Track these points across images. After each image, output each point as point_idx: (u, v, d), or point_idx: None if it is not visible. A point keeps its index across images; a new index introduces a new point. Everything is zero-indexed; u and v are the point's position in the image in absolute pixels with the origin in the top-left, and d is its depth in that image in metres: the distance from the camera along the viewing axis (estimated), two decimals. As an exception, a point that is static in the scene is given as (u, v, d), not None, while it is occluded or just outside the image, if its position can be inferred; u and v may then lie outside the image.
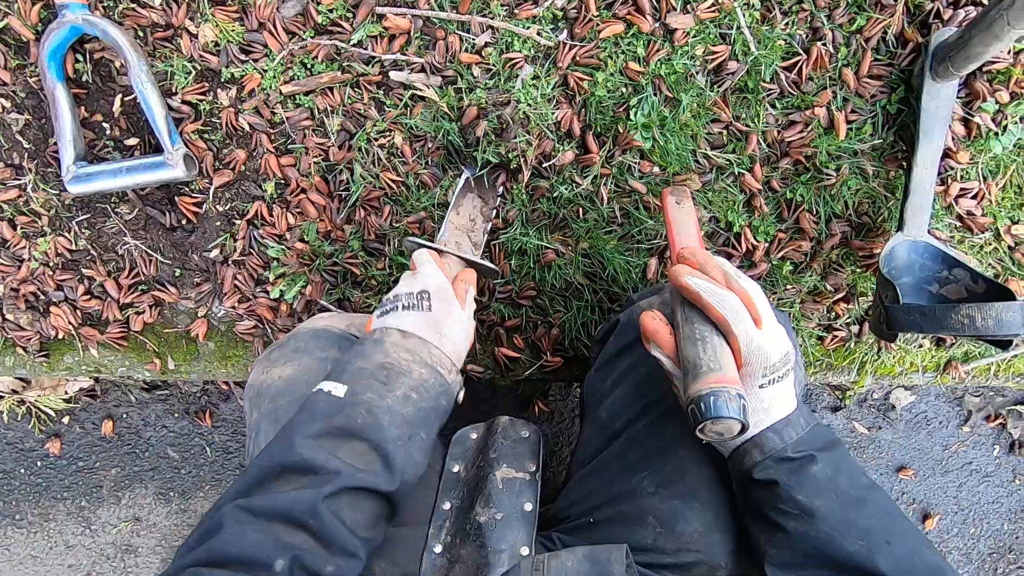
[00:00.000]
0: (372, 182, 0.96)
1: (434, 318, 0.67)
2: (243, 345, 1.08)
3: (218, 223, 1.01)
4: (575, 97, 0.92)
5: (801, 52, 0.89)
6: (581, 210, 0.96)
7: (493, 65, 0.90)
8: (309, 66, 0.93)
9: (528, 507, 0.83)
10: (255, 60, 0.93)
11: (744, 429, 0.54)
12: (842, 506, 0.55)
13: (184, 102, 0.95)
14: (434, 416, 0.64)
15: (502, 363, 1.06)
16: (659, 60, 0.89)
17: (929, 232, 0.89)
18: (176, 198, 0.99)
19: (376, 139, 0.94)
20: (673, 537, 0.67)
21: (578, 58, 0.90)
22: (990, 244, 0.97)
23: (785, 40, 0.89)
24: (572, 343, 1.03)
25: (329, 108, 0.94)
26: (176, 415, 1.33)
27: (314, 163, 0.96)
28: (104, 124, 0.97)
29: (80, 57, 0.94)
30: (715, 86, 0.91)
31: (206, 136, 0.96)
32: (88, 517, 1.37)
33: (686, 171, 0.93)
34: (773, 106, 0.92)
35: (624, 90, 0.91)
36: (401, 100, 0.92)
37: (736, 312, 0.57)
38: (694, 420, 0.52)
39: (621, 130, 0.91)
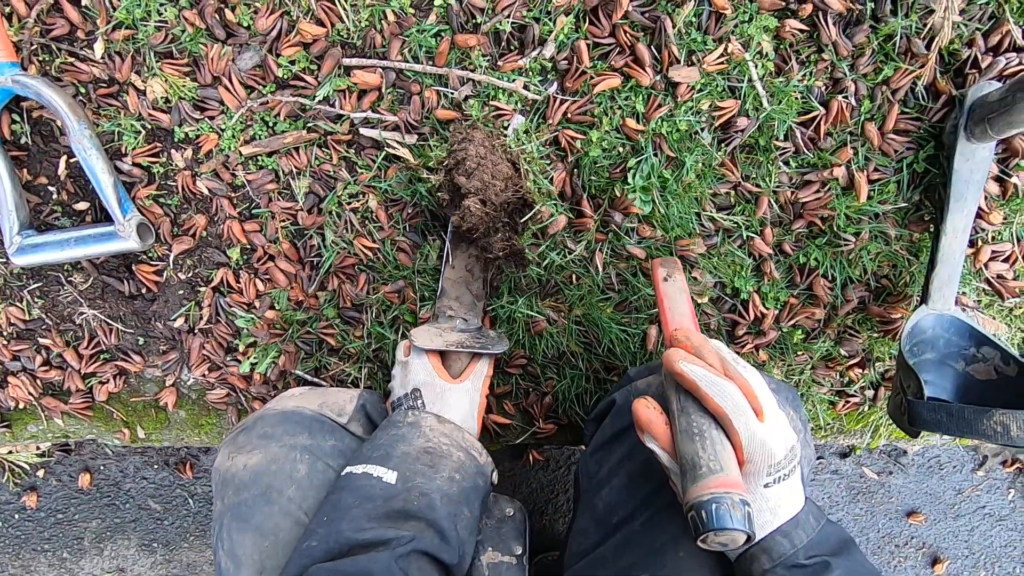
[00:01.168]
0: (346, 248, 0.88)
1: (432, 412, 0.72)
2: (216, 413, 1.02)
3: (181, 291, 0.93)
4: (567, 156, 0.82)
5: (819, 106, 0.79)
6: (574, 276, 0.87)
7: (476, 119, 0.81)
8: (271, 124, 0.83)
9: None
10: (211, 118, 0.83)
11: (750, 540, 0.49)
12: None
13: (135, 164, 0.86)
14: (474, 495, 0.67)
15: (492, 430, 0.99)
16: (660, 117, 0.79)
17: (955, 300, 0.81)
18: (134, 266, 0.91)
19: (348, 203, 0.86)
20: None
21: (570, 114, 0.81)
22: (1021, 308, 0.89)
23: (802, 93, 0.79)
24: (566, 411, 0.97)
25: (295, 170, 0.85)
26: (155, 467, 1.27)
27: (282, 228, 0.88)
28: (50, 187, 0.88)
29: (16, 117, 0.84)
30: (722, 144, 0.81)
31: (162, 201, 0.88)
32: (71, 568, 1.33)
33: (690, 235, 0.85)
34: (787, 164, 0.83)
35: (621, 149, 0.82)
36: (374, 161, 0.83)
37: (736, 404, 0.52)
38: (695, 529, 0.48)
39: (618, 193, 0.83)
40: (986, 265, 0.86)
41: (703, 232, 0.85)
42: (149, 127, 0.84)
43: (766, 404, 0.53)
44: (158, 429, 1.03)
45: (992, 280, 0.87)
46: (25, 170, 0.87)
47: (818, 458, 1.24)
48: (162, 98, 0.83)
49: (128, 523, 1.30)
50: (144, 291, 0.93)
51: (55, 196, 0.88)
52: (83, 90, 0.83)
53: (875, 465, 1.25)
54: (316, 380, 0.95)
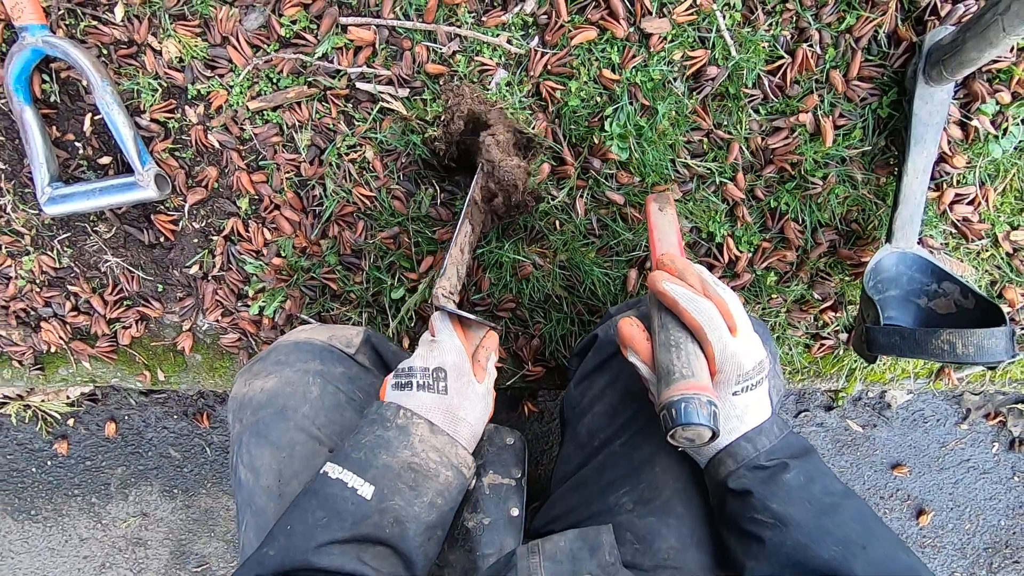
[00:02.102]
0: (345, 197, 0.95)
1: (450, 402, 0.64)
2: (229, 357, 1.10)
3: (195, 240, 1.01)
4: (548, 107, 0.88)
5: (785, 55, 0.84)
6: (558, 222, 0.93)
7: (462, 73, 0.87)
8: (275, 81, 0.90)
9: (514, 512, 0.85)
10: (220, 76, 0.91)
11: (715, 436, 0.54)
12: (816, 514, 0.55)
13: (153, 120, 0.93)
14: (451, 514, 0.64)
15: (484, 373, 1.05)
16: (634, 67, 0.85)
17: (920, 240, 0.85)
18: (153, 216, 0.99)
19: (347, 154, 0.92)
20: (651, 554, 0.67)
21: (550, 66, 0.86)
22: (987, 251, 0.93)
23: (768, 42, 0.84)
24: (553, 353, 1.03)
25: (298, 123, 0.92)
26: (175, 417, 1.36)
27: (286, 179, 0.95)
28: (76, 143, 0.96)
29: (47, 77, 0.93)
30: (694, 93, 0.86)
31: (177, 154, 0.95)
32: (99, 513, 1.43)
33: (665, 181, 0.90)
34: (756, 112, 0.87)
35: (599, 99, 0.87)
36: (370, 114, 0.90)
37: (711, 319, 0.57)
38: (665, 426, 0.53)
39: (597, 141, 0.88)
40: (951, 207, 0.90)
41: (678, 178, 0.90)
42: (165, 85, 0.92)
43: (740, 322, 0.58)
44: (176, 372, 1.12)
45: (957, 223, 0.90)
46: (54, 127, 0.95)
47: (803, 411, 1.29)
48: (176, 58, 0.90)
49: (151, 470, 1.40)
50: (162, 240, 1.01)
51: (81, 151, 0.96)
52: (105, 51, 0.91)
53: (860, 418, 1.29)
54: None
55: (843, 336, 1.01)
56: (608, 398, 0.79)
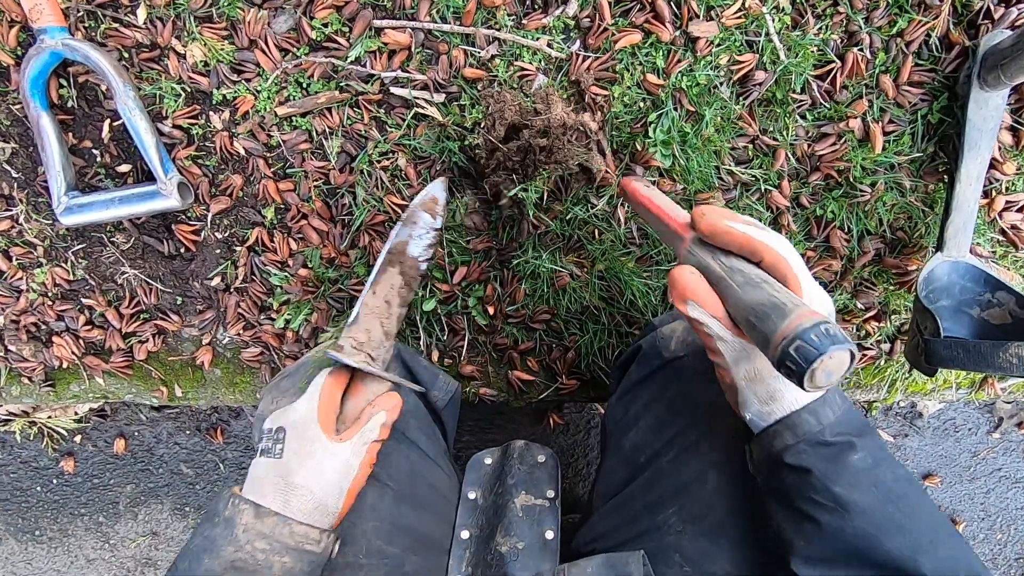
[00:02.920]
0: (376, 206, 0.91)
1: (285, 467, 0.56)
2: (250, 372, 1.06)
3: (218, 251, 0.97)
4: (589, 112, 0.85)
5: (835, 59, 0.82)
6: (597, 231, 0.90)
7: (501, 79, 0.84)
8: (305, 86, 0.87)
9: (549, 535, 0.82)
10: (247, 80, 0.87)
11: (853, 359, 0.44)
12: (882, 501, 0.50)
13: (175, 126, 0.90)
14: None
15: (516, 386, 1.02)
16: (680, 72, 0.82)
17: (971, 249, 0.83)
18: (173, 226, 0.95)
19: (379, 161, 0.89)
20: None
21: (593, 71, 0.83)
22: (1034, 258, 0.91)
23: (817, 46, 0.81)
24: (588, 366, 1.00)
25: (328, 129, 0.88)
26: (187, 432, 1.31)
27: (314, 187, 0.91)
28: (94, 151, 0.92)
29: (64, 82, 0.89)
30: (741, 98, 0.84)
31: (200, 162, 0.92)
32: (106, 532, 1.38)
33: (709, 189, 0.87)
34: (803, 118, 0.85)
35: (642, 104, 0.85)
36: (403, 120, 0.87)
37: (791, 252, 0.50)
38: (803, 360, 0.41)
39: (639, 147, 0.85)
40: (1000, 215, 0.88)
41: (722, 186, 0.88)
42: (189, 90, 0.88)
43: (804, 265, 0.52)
44: (194, 388, 1.07)
45: (1006, 230, 0.89)
46: (71, 134, 0.91)
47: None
48: (201, 62, 0.86)
49: (161, 488, 1.35)
50: (183, 251, 0.97)
51: (99, 159, 0.92)
52: (126, 55, 0.87)
53: (891, 428, 1.27)
54: (347, 337, 0.99)
55: (885, 346, 0.99)
56: (654, 412, 0.77)
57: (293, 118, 0.88)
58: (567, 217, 0.89)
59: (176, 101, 0.88)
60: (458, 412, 0.96)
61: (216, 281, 0.98)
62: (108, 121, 0.90)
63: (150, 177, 0.90)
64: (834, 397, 0.53)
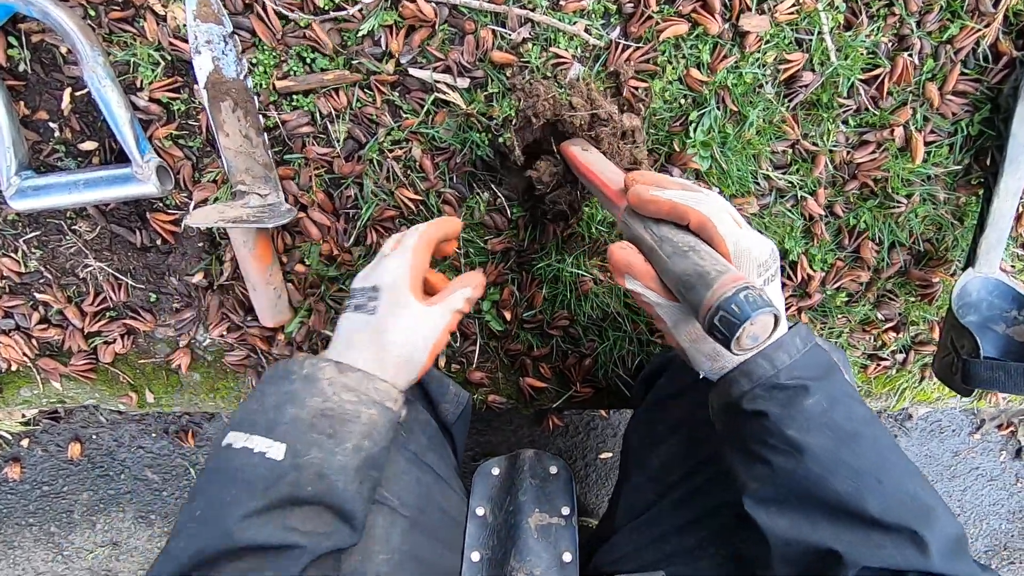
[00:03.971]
0: (385, 200, 0.82)
1: (378, 322, 0.56)
2: (234, 376, 0.96)
3: (200, 244, 0.86)
4: (627, 107, 0.79)
5: (885, 63, 0.78)
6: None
7: (533, 66, 0.76)
8: (309, 61, 0.76)
9: (567, 557, 0.78)
10: (241, 50, 0.76)
11: (778, 322, 0.46)
12: (835, 444, 0.49)
13: (153, 100, 0.77)
14: (385, 453, 0.56)
15: (527, 394, 0.96)
16: (726, 68, 0.77)
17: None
18: (147, 214, 0.83)
19: (391, 150, 0.80)
20: None
21: (633, 62, 0.77)
22: (1050, 273, 0.92)
23: (868, 49, 0.77)
24: (607, 374, 0.95)
25: (334, 112, 0.78)
26: (153, 435, 1.20)
27: (316, 176, 0.81)
28: (51, 124, 0.79)
29: (14, 40, 0.75)
30: (785, 99, 0.79)
31: (182, 142, 0.80)
32: (59, 543, 1.25)
33: (745, 194, 0.83)
34: (846, 124, 0.81)
35: (683, 101, 0.79)
36: (422, 106, 0.78)
37: (717, 212, 0.50)
38: (728, 329, 0.43)
39: (677, 147, 0.80)
40: (1026, 230, 0.88)
41: (758, 191, 0.84)
42: (169, 58, 0.76)
43: (736, 215, 0.52)
44: (169, 393, 0.96)
45: (1029, 245, 0.89)
46: (23, 103, 0.78)
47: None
48: (184, 25, 0.74)
49: (123, 495, 1.23)
50: (159, 243, 0.85)
51: (57, 134, 0.79)
52: (92, 12, 0.74)
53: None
54: (347, 341, 0.90)
55: (900, 356, 0.98)
56: (686, 429, 0.73)
57: (294, 96, 0.78)
58: (597, 218, 0.83)
59: (154, 71, 0.76)
60: (468, 426, 0.89)
61: (198, 278, 0.87)
62: (69, 90, 0.77)
63: (121, 157, 0.78)
64: (792, 340, 0.52)
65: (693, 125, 0.78)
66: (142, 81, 0.76)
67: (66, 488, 1.22)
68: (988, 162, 0.83)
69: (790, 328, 0.53)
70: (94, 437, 1.19)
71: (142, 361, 0.94)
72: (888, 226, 0.86)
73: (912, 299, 0.92)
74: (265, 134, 0.78)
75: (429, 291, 0.65)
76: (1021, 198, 0.84)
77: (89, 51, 0.71)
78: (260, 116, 0.78)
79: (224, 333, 0.91)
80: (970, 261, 0.82)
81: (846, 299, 0.91)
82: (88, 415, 1.18)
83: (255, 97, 0.77)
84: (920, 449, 1.31)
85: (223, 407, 0.98)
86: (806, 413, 0.50)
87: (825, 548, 0.48)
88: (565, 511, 0.82)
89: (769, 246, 0.51)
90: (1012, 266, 0.91)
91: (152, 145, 0.78)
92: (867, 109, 0.80)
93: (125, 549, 1.26)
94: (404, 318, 0.57)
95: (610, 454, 1.27)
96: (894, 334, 0.95)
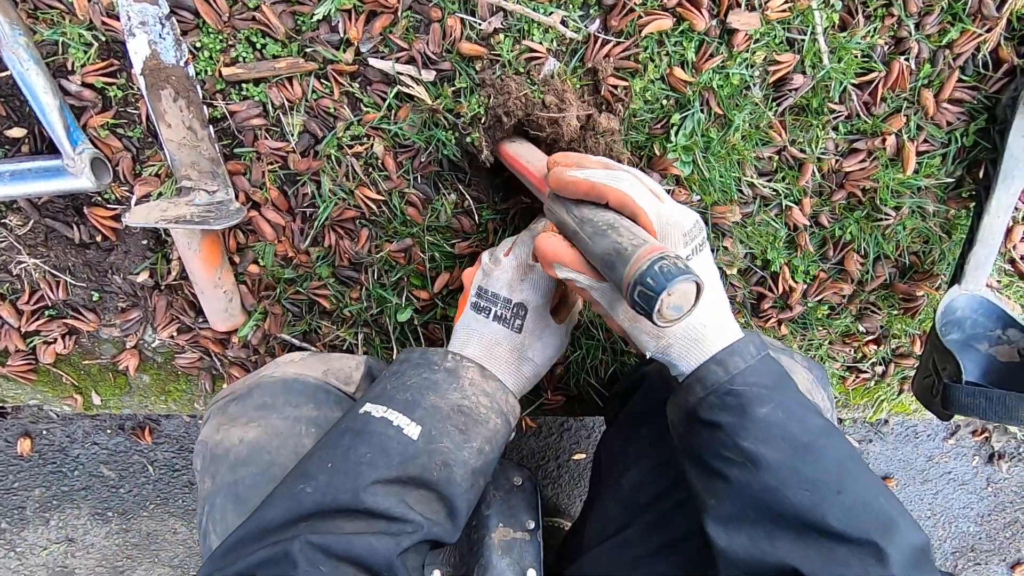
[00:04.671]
0: (345, 199, 0.77)
1: (522, 341, 0.60)
2: (186, 379, 0.91)
3: (144, 241, 0.79)
4: (606, 107, 0.73)
5: (880, 67, 0.73)
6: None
7: (505, 59, 0.70)
8: (259, 47, 0.70)
9: (532, 574, 0.76)
10: (183, 32, 0.69)
11: (700, 290, 0.45)
12: (791, 454, 0.48)
13: (86, 85, 0.70)
14: (494, 463, 0.58)
15: (496, 401, 0.93)
16: (712, 68, 0.71)
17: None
18: (85, 209, 0.77)
19: (350, 146, 0.74)
20: None
21: (613, 58, 0.71)
22: (1035, 289, 0.89)
23: (863, 51, 0.72)
24: (578, 383, 0.91)
25: (287, 103, 0.72)
26: (108, 432, 1.15)
27: (269, 172, 0.75)
28: (-27, 108, 0.72)
29: (-75, 14, 0.67)
30: (774, 103, 0.74)
31: (120, 132, 0.73)
32: (11, 540, 1.21)
33: (728, 201, 0.79)
34: (836, 130, 0.77)
35: (665, 103, 0.73)
36: (384, 99, 0.72)
37: (634, 187, 0.50)
38: (646, 303, 0.43)
39: (658, 151, 0.75)
40: (1015, 245, 0.84)
41: (741, 199, 0.79)
42: (103, 38, 0.69)
43: (658, 189, 0.52)
44: (117, 395, 0.91)
45: (1016, 260, 0.86)
46: (-61, 84, 0.70)
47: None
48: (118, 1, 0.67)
49: (78, 491, 1.18)
50: (99, 239, 0.79)
51: (-19, 119, 0.72)
52: (14, -15, 0.66)
53: (857, 434, 1.28)
54: (305, 345, 0.86)
55: (879, 369, 0.96)
56: (659, 451, 0.71)
57: (243, 85, 0.71)
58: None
59: (86, 52, 0.69)
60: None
61: (143, 277, 0.81)
62: (-9, 71, 0.70)
63: (53, 147, 0.71)
64: (746, 346, 0.51)
65: (675, 128, 0.73)
66: (73, 64, 0.69)
67: (17, 484, 1.17)
68: (981, 175, 0.79)
69: (744, 335, 0.52)
70: (45, 433, 1.14)
71: (87, 362, 0.88)
72: (874, 238, 0.82)
73: (895, 312, 0.89)
74: (211, 126, 0.72)
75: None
76: (1013, 213, 0.81)
77: (8, 29, 0.64)
78: (205, 106, 0.71)
79: (174, 335, 0.85)
80: (956, 277, 0.79)
81: (828, 311, 0.87)
82: (37, 410, 1.13)
83: (199, 85, 0.70)
84: (894, 454, 1.30)
85: (176, 410, 0.93)
86: (760, 423, 0.48)
87: (786, 567, 0.46)
88: (530, 525, 0.80)
89: (693, 216, 0.51)
90: (998, 281, 0.88)
91: (87, 135, 0.72)
92: (859, 116, 0.76)
93: (81, 546, 1.22)
94: (544, 340, 0.60)
95: (584, 455, 1.24)
96: (875, 347, 0.93)
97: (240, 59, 0.70)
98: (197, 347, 0.87)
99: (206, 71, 0.70)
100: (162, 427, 1.15)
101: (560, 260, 0.52)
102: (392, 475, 0.49)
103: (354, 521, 0.47)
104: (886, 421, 1.27)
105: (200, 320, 0.84)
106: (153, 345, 0.88)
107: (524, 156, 0.64)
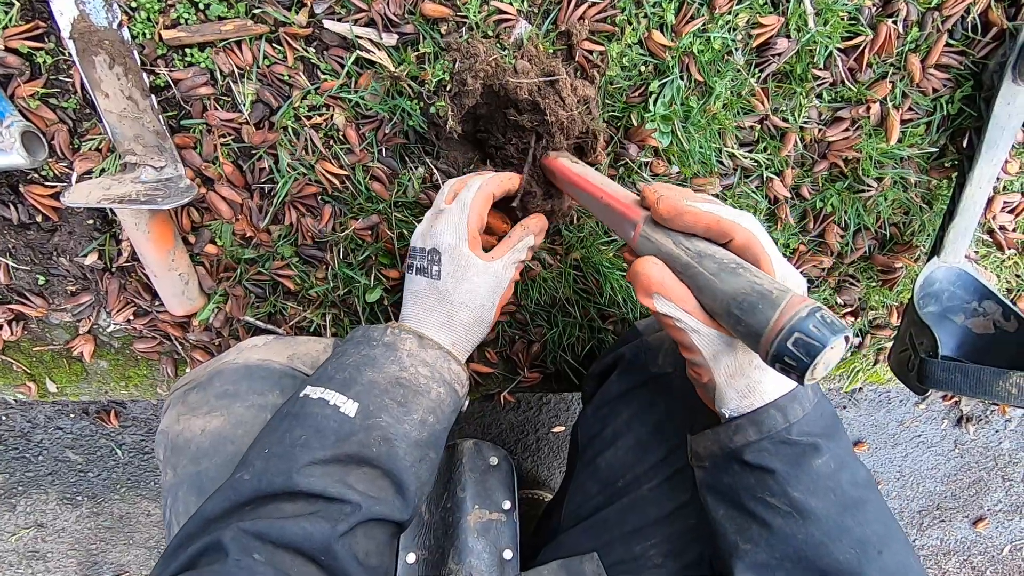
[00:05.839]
0: (305, 174, 0.72)
1: (443, 287, 0.57)
2: (147, 364, 0.87)
3: (90, 221, 0.74)
4: (581, 73, 0.69)
5: (867, 30, 0.70)
6: (575, 216, 0.77)
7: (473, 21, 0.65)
8: (202, 7, 0.64)
9: (508, 554, 0.76)
10: (116, -9, 0.62)
11: (848, 343, 0.41)
12: (839, 509, 0.47)
13: (9, 50, 0.64)
14: (445, 434, 0.57)
15: (472, 380, 0.91)
16: (693, 32, 0.67)
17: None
18: (22, 187, 0.71)
19: (308, 117, 0.69)
20: None
21: (588, 20, 0.66)
22: (1012, 259, 0.89)
23: (850, 14, 0.69)
24: (554, 360, 0.90)
25: (237, 70, 0.67)
26: (71, 416, 1.11)
27: (222, 145, 0.70)
28: None
29: None
30: (756, 69, 0.71)
31: (54, 102, 0.67)
32: (-23, 526, 1.18)
33: (708, 173, 0.76)
34: (820, 98, 0.74)
35: (643, 69, 0.69)
36: (342, 65, 0.66)
37: (760, 230, 0.46)
38: (805, 354, 0.38)
39: (635, 121, 0.71)
40: (994, 216, 0.83)
41: (721, 171, 0.76)
42: (26, -2, 0.62)
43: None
44: (74, 382, 0.87)
45: (995, 231, 0.85)
46: None
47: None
48: (41, -43, 0.60)
49: (44, 476, 1.15)
50: (40, 219, 0.74)
51: None
52: (-82, -65, 0.59)
53: (833, 401, 1.30)
54: (271, 328, 0.82)
55: (856, 340, 0.96)
56: (636, 432, 0.70)
57: (187, 50, 0.65)
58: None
59: (7, 13, 0.62)
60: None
61: (92, 259, 0.76)
62: (-99, 34, 0.63)
63: (-21, 119, 0.65)
64: (805, 391, 0.49)
65: (653, 96, 0.70)
66: (-7, 26, 0.63)
67: (-22, 471, 1.13)
68: (965, 144, 0.77)
69: None
70: (4, 419, 1.09)
71: (38, 348, 0.83)
72: (855, 210, 0.80)
73: (873, 284, 0.88)
74: (154, 96, 0.66)
75: (487, 241, 0.64)
76: (995, 183, 0.79)
77: (-87, -13, 0.57)
78: (146, 74, 0.65)
79: (130, 319, 0.81)
80: (936, 249, 0.78)
81: (807, 285, 0.86)
82: (-6, 396, 1.08)
83: (136, 51, 0.64)
84: (867, 419, 1.33)
85: (138, 396, 0.89)
86: (814, 474, 0.47)
87: None
88: (506, 505, 0.79)
89: (803, 280, 0.47)
90: (976, 252, 0.87)
91: (15, 106, 0.65)
92: (843, 82, 0.72)
93: (52, 530, 1.20)
94: (468, 279, 0.57)
95: (563, 428, 1.24)
96: (852, 319, 0.92)
97: (182, 21, 0.64)
98: (156, 331, 0.83)
99: (144, 34, 0.64)
100: (129, 410, 1.11)
101: (665, 292, 0.46)
102: (328, 455, 0.48)
103: (293, 504, 0.46)
104: (860, 388, 1.29)
105: (157, 303, 0.80)
106: (108, 330, 0.83)
107: (594, 177, 0.58)
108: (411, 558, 0.75)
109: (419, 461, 0.53)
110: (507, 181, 0.62)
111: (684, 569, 0.61)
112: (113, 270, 0.77)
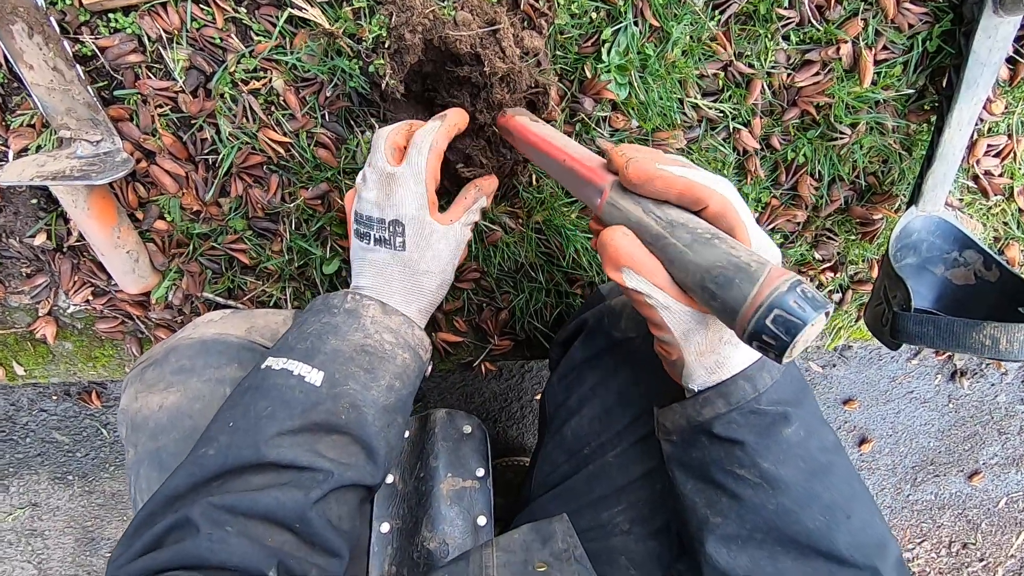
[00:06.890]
0: (248, 143, 0.69)
1: (408, 257, 0.56)
2: (112, 344, 0.86)
3: (34, 200, 0.72)
4: (527, 23, 0.65)
5: (834, -37, 0.65)
6: (534, 177, 0.74)
7: (407, -26, 0.61)
8: (120, -33, 0.60)
9: (482, 520, 0.76)
10: (28, -46, 0.59)
11: (827, 317, 0.38)
12: (808, 476, 0.47)
13: (-73, 23, 0.61)
14: (410, 399, 0.57)
15: (442, 350, 0.90)
16: (645, -28, 0.63)
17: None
18: (-41, 167, 0.69)
19: (245, 82, 0.66)
20: None
21: (531, -35, 0.62)
22: (999, 206, 0.85)
23: (816, -55, 0.64)
24: (524, 326, 0.88)
25: (165, 34, 0.63)
26: (54, 398, 1.11)
27: (159, 116, 0.68)
28: None
29: None
30: (716, 11, 0.66)
31: (-21, 77, 0.65)
32: (-27, 508, 1.20)
33: (670, 126, 0.72)
34: (787, 40, 0.69)
35: (595, 16, 0.65)
36: (274, 25, 0.63)
37: (736, 196, 0.43)
38: (785, 331, 0.36)
39: (589, 74, 0.67)
40: (978, 160, 0.79)
41: (685, 123, 0.73)
42: (-65, -34, 0.59)
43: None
44: (41, 364, 0.87)
45: (980, 176, 0.81)
46: None
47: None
48: (-54, -80, 0.57)
49: (33, 457, 1.17)
50: (-18, 200, 0.72)
51: None
52: None
53: (821, 359, 1.28)
54: (232, 303, 0.81)
55: (836, 296, 0.93)
56: (600, 399, 0.68)
57: (110, 15, 0.62)
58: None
59: (-82, -17, 0.59)
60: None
61: (41, 239, 0.74)
62: None
63: (-96, 98, 0.63)
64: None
65: (607, 45, 0.66)
66: (-95, -3, 0.60)
67: (-32, 455, 1.15)
68: (944, 83, 0.72)
69: None
70: (-13, 403, 1.10)
71: (0, 332, 0.83)
72: (829, 159, 0.76)
73: (852, 238, 0.85)
74: (79, 65, 0.63)
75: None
76: (976, 125, 0.75)
77: None
78: (68, 42, 0.62)
79: (89, 299, 0.80)
80: (914, 199, 0.74)
81: (781, 241, 0.83)
82: (-26, 381, 1.08)
83: (54, 18, 0.61)
84: (858, 376, 1.30)
85: (106, 376, 0.89)
86: (783, 443, 0.46)
87: None
88: (479, 473, 0.78)
89: (778, 251, 0.44)
90: (960, 199, 0.83)
91: (-61, 82, 0.63)
92: (811, 22, 0.68)
93: (47, 509, 1.22)
94: (434, 247, 0.56)
95: (546, 395, 1.23)
96: (832, 274, 0.89)
97: (102, -16, 0.61)
98: (116, 311, 0.82)
99: (63, 0, 0.61)
100: (109, 390, 1.12)
101: (636, 268, 0.43)
102: (296, 425, 0.47)
103: (262, 475, 0.46)
104: (849, 346, 1.26)
105: (113, 283, 0.78)
106: (69, 311, 0.82)
107: (556, 137, 0.55)
108: (385, 527, 0.75)
109: (387, 426, 0.52)
110: (453, 127, 0.58)
111: (652, 535, 0.61)
112: (64, 250, 0.76)
